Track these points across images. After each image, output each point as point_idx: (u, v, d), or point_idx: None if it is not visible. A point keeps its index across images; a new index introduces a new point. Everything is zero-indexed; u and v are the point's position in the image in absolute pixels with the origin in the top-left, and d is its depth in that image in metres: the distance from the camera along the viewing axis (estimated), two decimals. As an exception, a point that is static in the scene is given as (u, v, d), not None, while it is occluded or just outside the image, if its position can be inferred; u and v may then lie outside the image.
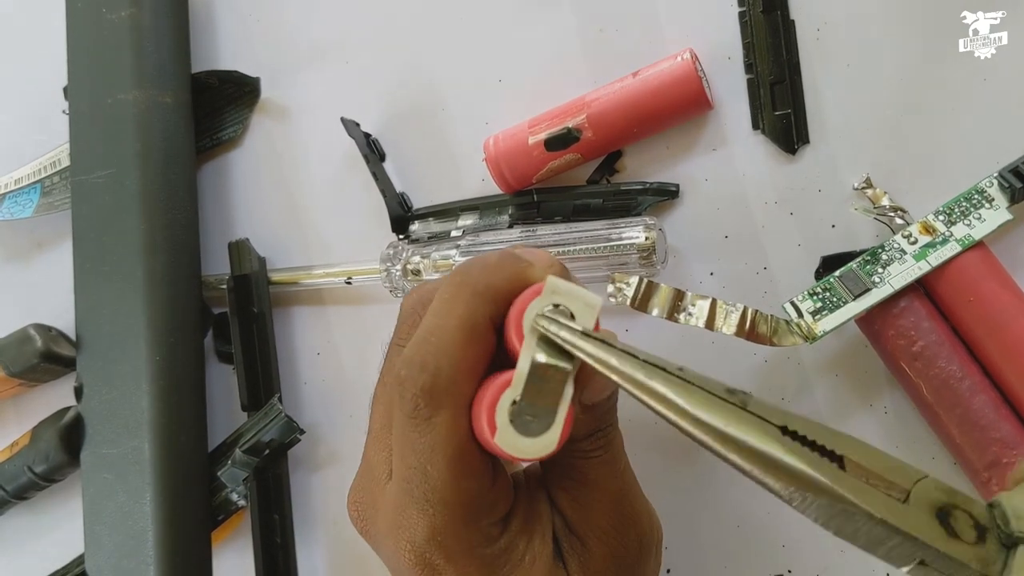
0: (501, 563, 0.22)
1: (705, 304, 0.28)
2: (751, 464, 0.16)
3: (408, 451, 0.22)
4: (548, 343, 0.20)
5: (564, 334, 0.20)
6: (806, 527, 0.30)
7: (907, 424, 0.29)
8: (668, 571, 0.32)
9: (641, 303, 0.28)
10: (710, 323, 0.28)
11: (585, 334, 0.20)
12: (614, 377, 0.19)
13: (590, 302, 0.21)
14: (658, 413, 0.18)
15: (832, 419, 0.30)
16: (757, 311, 0.28)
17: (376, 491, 0.24)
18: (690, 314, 0.28)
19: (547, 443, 0.20)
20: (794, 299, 0.29)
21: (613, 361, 0.19)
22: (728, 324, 0.28)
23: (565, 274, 0.23)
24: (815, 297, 0.28)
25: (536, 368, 0.20)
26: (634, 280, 0.28)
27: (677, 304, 0.28)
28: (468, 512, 0.22)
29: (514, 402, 0.20)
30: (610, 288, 0.28)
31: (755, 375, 0.31)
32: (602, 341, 0.19)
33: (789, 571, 0.30)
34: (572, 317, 0.21)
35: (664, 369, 0.18)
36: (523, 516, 0.24)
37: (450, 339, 0.21)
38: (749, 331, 0.28)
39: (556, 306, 0.21)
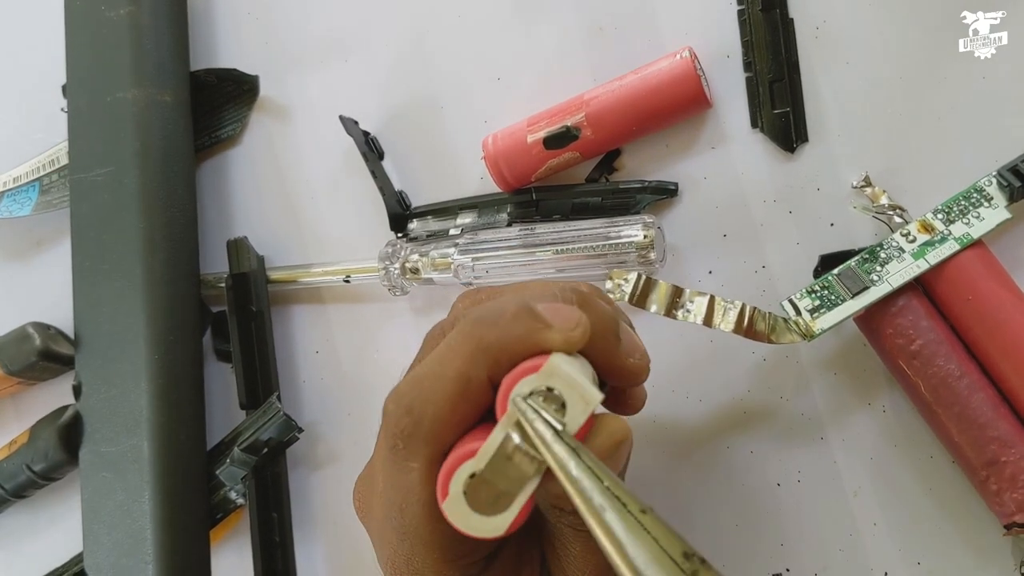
0: None
1: (703, 300, 0.28)
2: None
3: (388, 486, 0.22)
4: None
5: (539, 427, 0.18)
6: (804, 527, 0.30)
7: (906, 423, 0.29)
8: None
9: (639, 299, 0.28)
10: (708, 320, 0.28)
11: (558, 435, 0.18)
12: (569, 490, 0.17)
13: (587, 396, 0.19)
14: (601, 545, 0.16)
15: (831, 418, 0.30)
16: (755, 308, 0.28)
17: (374, 495, 0.24)
18: (688, 311, 0.28)
19: (495, 527, 0.19)
20: (792, 297, 0.29)
21: (574, 473, 0.17)
22: (726, 321, 0.28)
23: (608, 337, 0.22)
24: (813, 295, 0.28)
25: (507, 447, 0.19)
26: (632, 276, 0.28)
27: (675, 300, 0.28)
28: (444, 551, 0.21)
29: (473, 475, 0.19)
30: (608, 284, 0.28)
31: (754, 374, 0.31)
32: (573, 450, 0.18)
33: (787, 570, 0.30)
34: (563, 406, 0.19)
35: (626, 505, 0.16)
36: (510, 559, 0.23)
37: (441, 389, 0.20)
38: (747, 328, 0.28)
39: (550, 390, 0.19)
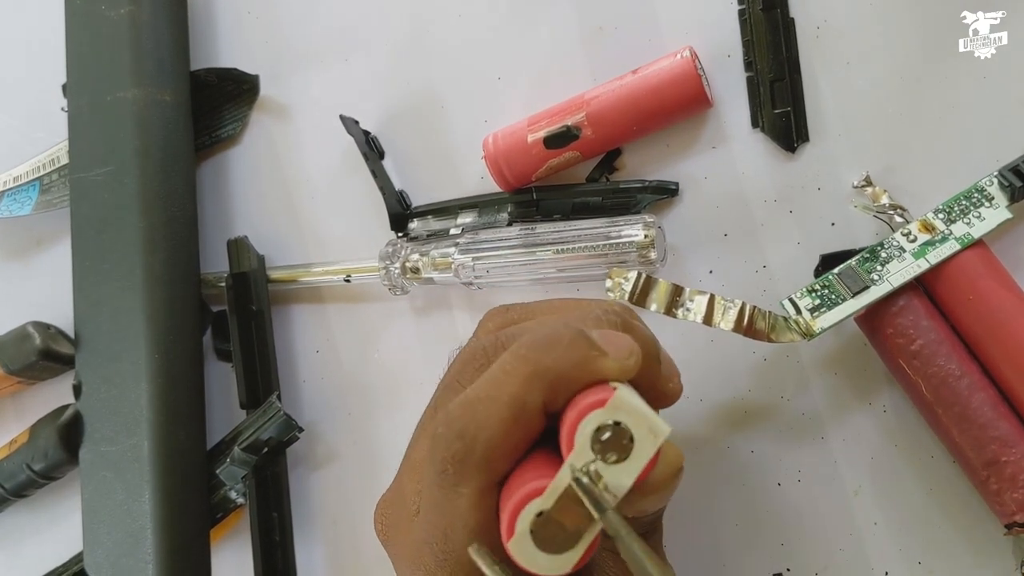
0: None
1: (703, 299, 0.28)
2: None
3: (432, 509, 0.21)
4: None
5: (591, 502, 0.18)
6: (805, 526, 0.30)
7: (906, 423, 0.29)
8: None
9: (639, 298, 0.28)
10: (708, 319, 0.28)
11: (615, 512, 0.18)
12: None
13: (655, 430, 0.19)
14: None
15: (832, 418, 0.30)
16: (755, 307, 0.28)
17: (403, 517, 0.24)
18: (688, 309, 0.28)
19: (562, 565, 0.19)
20: (792, 296, 0.29)
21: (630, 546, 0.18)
22: (726, 320, 0.28)
23: (651, 362, 0.22)
24: (814, 294, 0.28)
25: (574, 487, 0.19)
26: (632, 275, 0.28)
27: (675, 299, 0.28)
28: None
29: (540, 513, 0.19)
30: (608, 283, 0.28)
31: (754, 374, 0.31)
32: (626, 524, 0.18)
33: (788, 570, 0.30)
34: (632, 440, 0.19)
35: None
36: None
37: (495, 415, 0.20)
38: (747, 327, 0.28)
39: (617, 424, 0.19)
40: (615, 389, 0.19)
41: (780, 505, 0.31)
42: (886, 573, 0.29)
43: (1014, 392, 0.26)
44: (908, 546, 0.29)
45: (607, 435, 0.19)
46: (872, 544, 0.29)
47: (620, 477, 0.19)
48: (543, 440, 0.21)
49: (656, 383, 0.22)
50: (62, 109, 0.40)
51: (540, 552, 0.19)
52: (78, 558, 0.37)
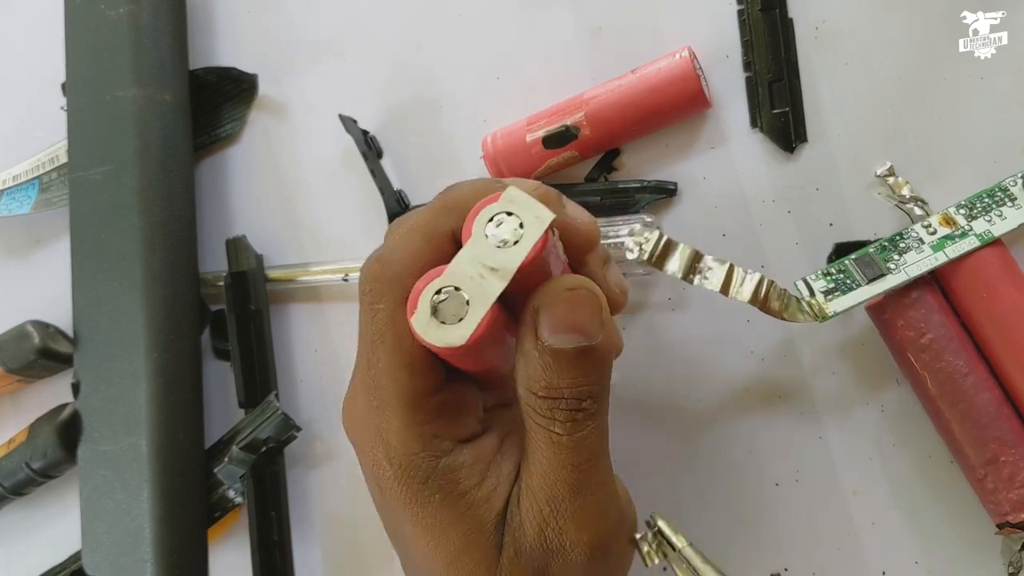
0: (438, 484, 0.22)
1: (722, 269, 0.27)
2: None
3: (361, 340, 0.23)
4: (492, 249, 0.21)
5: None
6: (803, 526, 0.30)
7: (904, 423, 0.29)
8: (664, 569, 0.32)
9: (658, 260, 0.27)
10: (725, 288, 0.27)
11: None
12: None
13: (541, 215, 0.21)
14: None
15: (830, 418, 0.30)
16: (772, 283, 0.27)
17: (359, 396, 0.24)
18: (706, 277, 0.27)
19: (457, 335, 0.20)
20: (807, 277, 0.28)
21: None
22: (743, 292, 0.27)
23: (555, 196, 0.24)
24: (829, 277, 0.28)
25: (471, 267, 0.21)
26: (654, 235, 0.27)
27: (694, 265, 0.27)
28: (410, 411, 0.22)
29: (439, 291, 0.21)
30: (629, 242, 0.28)
31: (752, 374, 0.31)
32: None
33: (785, 570, 0.30)
34: (521, 226, 0.21)
35: None
36: (482, 452, 0.23)
37: (406, 238, 0.23)
38: (763, 302, 0.27)
39: (509, 214, 0.21)
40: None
41: (778, 505, 0.31)
42: (883, 573, 0.29)
43: (1019, 394, 0.26)
44: (906, 546, 0.29)
45: (500, 224, 0.21)
46: (870, 544, 0.29)
47: (511, 257, 0.21)
48: None
49: (564, 221, 0.24)
50: (61, 108, 0.40)
51: (439, 324, 0.20)
52: (76, 557, 0.37)
